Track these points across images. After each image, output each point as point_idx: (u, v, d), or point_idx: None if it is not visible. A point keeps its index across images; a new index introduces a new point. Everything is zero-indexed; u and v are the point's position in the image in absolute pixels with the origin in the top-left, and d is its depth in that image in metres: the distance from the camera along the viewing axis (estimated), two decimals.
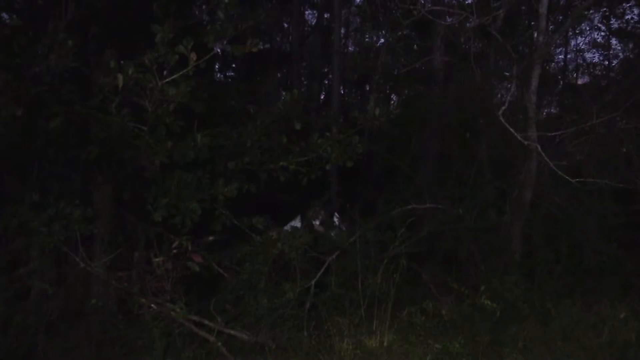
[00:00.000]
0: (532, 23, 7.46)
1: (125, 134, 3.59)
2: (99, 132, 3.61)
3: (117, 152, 3.78)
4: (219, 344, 4.02)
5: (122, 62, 3.23)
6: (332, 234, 5.45)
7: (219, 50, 3.62)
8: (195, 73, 3.43)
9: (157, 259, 4.15)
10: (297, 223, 5.61)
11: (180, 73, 3.35)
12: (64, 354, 4.03)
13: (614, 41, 14.06)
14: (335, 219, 5.80)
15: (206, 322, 4.08)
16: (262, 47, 3.54)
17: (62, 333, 4.14)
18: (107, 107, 3.38)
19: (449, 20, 6.67)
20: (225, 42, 3.52)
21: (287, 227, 5.37)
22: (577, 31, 13.65)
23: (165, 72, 3.35)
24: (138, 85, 3.29)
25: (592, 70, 13.82)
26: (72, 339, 4.14)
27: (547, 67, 11.96)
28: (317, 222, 5.67)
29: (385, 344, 4.34)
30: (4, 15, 4.72)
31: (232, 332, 4.08)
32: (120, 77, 3.16)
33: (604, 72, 13.51)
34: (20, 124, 3.17)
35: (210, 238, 4.40)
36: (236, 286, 4.43)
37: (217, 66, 9.98)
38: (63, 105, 3.29)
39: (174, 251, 4.14)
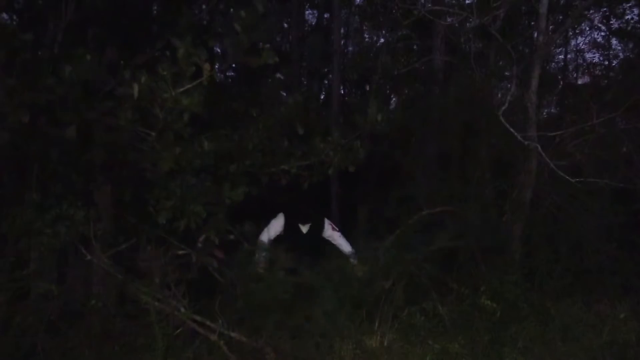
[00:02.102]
0: (532, 23, 7.48)
1: (133, 139, 3.59)
2: (105, 136, 3.60)
3: (121, 155, 3.77)
4: (221, 342, 4.02)
5: (129, 69, 3.21)
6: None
7: (219, 50, 3.60)
8: (209, 83, 3.43)
9: (181, 251, 4.13)
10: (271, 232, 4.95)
11: (194, 83, 3.34)
12: (64, 354, 4.03)
13: (614, 41, 14.07)
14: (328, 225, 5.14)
15: (208, 322, 4.08)
16: (277, 59, 3.53)
17: (62, 333, 4.14)
18: (119, 113, 3.37)
19: (449, 20, 6.67)
20: (241, 54, 3.50)
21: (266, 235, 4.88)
22: (577, 31, 13.65)
23: (179, 83, 3.33)
24: (152, 93, 3.28)
25: (592, 70, 13.82)
26: (72, 339, 4.14)
27: (547, 67, 11.99)
28: (305, 228, 5.05)
29: (385, 344, 4.34)
30: (5, 15, 4.72)
31: (233, 334, 4.08)
32: (136, 87, 3.16)
33: (604, 72, 13.51)
34: (27, 130, 3.17)
35: (231, 237, 4.38)
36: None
37: (216, 66, 9.97)
38: (74, 112, 3.27)
39: (199, 244, 4.12)
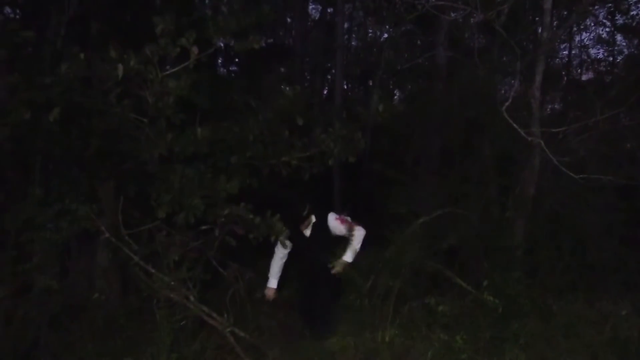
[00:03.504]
0: (537, 18, 7.44)
1: (126, 125, 3.58)
2: (99, 123, 3.59)
3: (117, 145, 3.76)
4: (227, 330, 4.02)
5: (124, 54, 3.21)
6: None
7: (222, 45, 3.58)
8: (196, 66, 3.42)
9: (203, 227, 4.08)
10: None
11: (181, 66, 3.33)
12: (67, 348, 4.06)
13: (618, 37, 13.98)
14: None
15: (214, 315, 4.08)
16: (264, 44, 3.51)
17: (65, 327, 4.16)
18: (108, 97, 3.37)
19: (452, 15, 6.64)
20: (227, 38, 3.50)
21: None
22: (582, 27, 13.56)
23: (167, 66, 3.33)
24: (139, 77, 3.28)
25: (596, 66, 13.75)
26: (75, 333, 4.17)
27: (551, 63, 11.90)
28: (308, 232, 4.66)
29: (387, 339, 4.35)
30: (7, 9, 4.72)
31: (236, 330, 4.08)
32: (120, 67, 3.14)
33: (609, 68, 13.44)
34: (27, 126, 3.17)
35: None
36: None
37: (219, 61, 9.97)
38: (61, 96, 3.26)
39: (222, 219, 4.06)
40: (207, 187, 3.74)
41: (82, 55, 3.08)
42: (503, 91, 7.97)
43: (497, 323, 4.48)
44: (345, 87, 13.04)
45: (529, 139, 5.46)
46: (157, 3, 5.10)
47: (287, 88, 3.94)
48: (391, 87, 12.26)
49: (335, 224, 4.59)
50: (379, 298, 4.61)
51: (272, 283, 4.73)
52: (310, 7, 13.95)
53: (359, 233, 4.57)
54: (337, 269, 4.55)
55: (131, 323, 4.33)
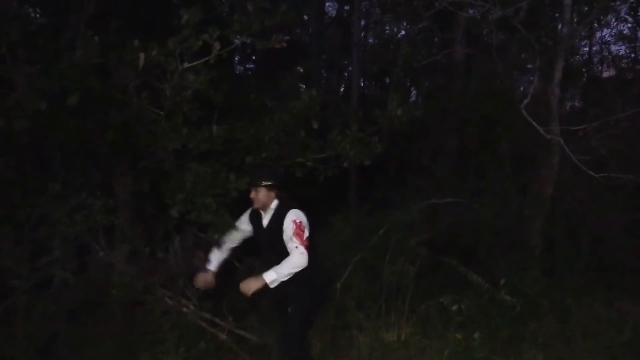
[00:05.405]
0: (556, 15, 7.35)
1: (143, 118, 3.61)
2: (116, 114, 3.61)
3: (134, 138, 3.78)
4: (230, 339, 4.03)
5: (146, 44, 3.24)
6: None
7: (238, 43, 3.58)
8: (216, 63, 3.44)
9: (161, 255, 4.06)
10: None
11: (202, 60, 3.36)
12: (85, 342, 4.10)
13: None
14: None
15: (217, 320, 4.07)
16: (285, 44, 3.50)
17: (83, 322, 4.21)
18: (127, 87, 3.41)
19: (470, 11, 6.58)
20: (249, 35, 3.51)
21: None
22: (603, 23, 13.32)
23: (186, 58, 3.36)
24: (159, 68, 3.31)
25: (617, 63, 13.51)
26: (94, 328, 4.21)
27: (571, 60, 11.75)
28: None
29: (402, 337, 4.34)
30: (26, 7, 4.78)
31: (242, 332, 4.07)
32: (142, 55, 3.17)
33: (630, 65, 13.21)
34: (44, 118, 3.20)
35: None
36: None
37: (237, 59, 10.02)
38: (79, 81, 3.28)
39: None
40: (220, 185, 3.74)
41: (96, 39, 3.10)
42: (522, 88, 7.90)
43: (515, 322, 4.45)
44: (362, 84, 12.99)
45: (548, 136, 5.40)
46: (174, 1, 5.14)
47: (304, 89, 3.93)
48: (408, 84, 12.18)
49: (289, 225, 3.29)
50: (392, 292, 4.60)
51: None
52: (327, 4, 13.95)
53: (296, 259, 3.20)
54: (245, 286, 3.22)
55: (149, 319, 4.36)
